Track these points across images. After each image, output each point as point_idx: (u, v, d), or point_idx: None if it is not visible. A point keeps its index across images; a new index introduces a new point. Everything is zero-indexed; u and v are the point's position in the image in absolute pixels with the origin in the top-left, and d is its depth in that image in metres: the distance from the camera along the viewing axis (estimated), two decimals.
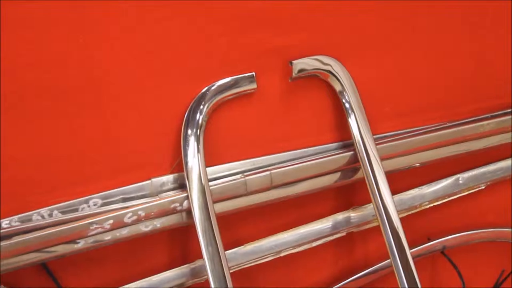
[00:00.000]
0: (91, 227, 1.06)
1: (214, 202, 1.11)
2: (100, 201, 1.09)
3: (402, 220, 1.14)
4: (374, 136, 1.17)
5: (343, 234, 1.26)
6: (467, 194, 1.32)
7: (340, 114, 1.19)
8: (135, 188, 1.11)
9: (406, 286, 1.11)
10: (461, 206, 1.34)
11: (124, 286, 1.14)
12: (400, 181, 1.26)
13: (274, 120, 1.17)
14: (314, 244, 1.24)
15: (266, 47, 1.13)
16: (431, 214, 1.32)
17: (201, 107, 1.10)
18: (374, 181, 1.15)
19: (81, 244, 1.08)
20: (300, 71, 1.14)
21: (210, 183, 1.11)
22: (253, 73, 1.12)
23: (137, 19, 1.06)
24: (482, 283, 1.40)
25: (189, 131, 1.10)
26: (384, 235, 1.14)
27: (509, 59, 1.28)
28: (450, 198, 1.31)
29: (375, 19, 1.19)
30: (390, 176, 1.16)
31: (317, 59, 1.15)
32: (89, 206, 1.09)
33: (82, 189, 1.09)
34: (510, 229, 1.34)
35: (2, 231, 1.03)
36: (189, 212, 1.11)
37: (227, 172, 1.15)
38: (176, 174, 1.13)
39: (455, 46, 1.25)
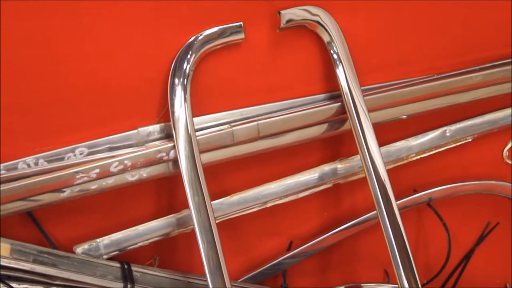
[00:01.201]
0: (77, 176, 1.08)
1: (201, 152, 1.13)
2: (86, 150, 1.11)
3: (388, 171, 1.17)
4: (362, 88, 1.19)
5: (330, 185, 1.29)
6: (454, 147, 1.35)
7: (328, 65, 1.21)
8: (122, 138, 1.13)
9: (392, 237, 1.13)
10: (448, 159, 1.36)
11: (110, 235, 1.18)
12: (387, 133, 1.28)
13: (261, 71, 1.18)
14: (301, 195, 1.27)
15: None
16: (417, 166, 1.34)
17: (188, 56, 1.11)
18: (361, 132, 1.17)
19: (67, 193, 1.10)
20: (288, 21, 1.15)
21: (197, 133, 1.13)
22: (241, 23, 1.13)
23: None
24: (468, 235, 1.43)
25: (176, 81, 1.11)
26: (371, 187, 1.16)
27: (498, 13, 1.29)
28: (437, 151, 1.33)
29: None
30: (377, 127, 1.18)
31: (305, 10, 1.15)
32: (75, 155, 1.11)
33: (68, 138, 1.10)
34: (495, 182, 1.37)
35: None
36: (175, 162, 1.13)
37: (214, 122, 1.17)
38: (162, 124, 1.14)
39: None
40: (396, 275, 1.12)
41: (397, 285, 1.13)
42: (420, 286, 1.12)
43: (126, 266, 1.16)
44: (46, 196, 1.09)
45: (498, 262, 1.47)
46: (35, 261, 1.09)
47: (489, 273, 1.47)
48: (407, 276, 1.12)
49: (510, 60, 1.32)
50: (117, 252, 1.18)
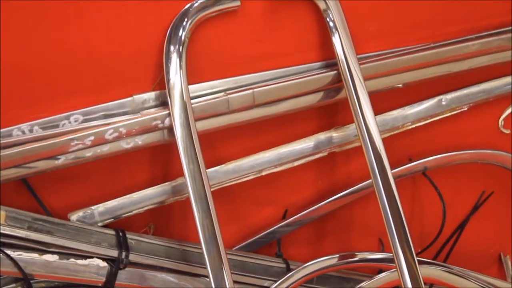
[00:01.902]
0: (72, 143, 1.09)
1: (196, 120, 1.14)
2: (81, 118, 1.12)
3: (384, 140, 1.18)
4: (358, 56, 1.20)
5: (325, 154, 1.30)
6: (450, 116, 1.36)
7: (324, 33, 1.21)
8: (117, 105, 1.14)
9: (387, 206, 1.15)
10: (443, 128, 1.37)
11: (105, 203, 1.19)
12: (382, 101, 1.29)
13: (257, 38, 1.19)
14: (296, 163, 1.28)
15: None
16: (413, 135, 1.36)
17: (184, 23, 1.12)
18: (357, 101, 1.18)
19: (61, 160, 1.11)
20: None
21: (192, 101, 1.14)
22: None
23: None
24: (463, 204, 1.45)
25: (172, 48, 1.12)
26: (366, 155, 1.17)
27: None
28: (433, 120, 1.35)
29: None
30: (373, 96, 1.19)
31: None
32: (70, 123, 1.12)
33: (63, 105, 1.11)
34: (491, 151, 1.39)
35: None
36: (170, 129, 1.14)
37: (209, 90, 1.18)
38: (158, 92, 1.15)
39: None
40: (391, 244, 1.14)
41: (391, 254, 1.14)
42: (414, 255, 1.13)
43: (121, 234, 1.17)
44: (40, 163, 1.10)
45: (493, 231, 1.49)
46: (30, 228, 1.11)
47: (484, 242, 1.49)
48: (401, 245, 1.13)
49: (509, 28, 1.33)
50: (112, 220, 1.19)
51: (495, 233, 1.50)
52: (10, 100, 1.09)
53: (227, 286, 1.08)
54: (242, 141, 1.26)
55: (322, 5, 1.18)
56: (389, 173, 1.16)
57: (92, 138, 1.10)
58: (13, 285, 1.13)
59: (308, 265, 1.25)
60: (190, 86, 1.14)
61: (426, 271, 1.26)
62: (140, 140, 1.14)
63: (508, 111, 1.40)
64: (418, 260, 1.13)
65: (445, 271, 1.29)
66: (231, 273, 1.10)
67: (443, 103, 1.34)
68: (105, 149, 1.12)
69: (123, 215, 1.20)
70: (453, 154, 1.36)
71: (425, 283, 1.13)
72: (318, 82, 1.21)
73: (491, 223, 1.48)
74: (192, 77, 1.15)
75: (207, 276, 1.09)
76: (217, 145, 1.24)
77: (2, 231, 1.09)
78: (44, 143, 1.08)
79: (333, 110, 1.29)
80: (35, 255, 1.11)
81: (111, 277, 1.16)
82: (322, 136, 1.29)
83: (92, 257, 1.14)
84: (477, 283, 1.30)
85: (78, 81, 1.11)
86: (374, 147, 1.17)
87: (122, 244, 1.16)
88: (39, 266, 1.11)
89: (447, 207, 1.39)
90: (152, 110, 1.15)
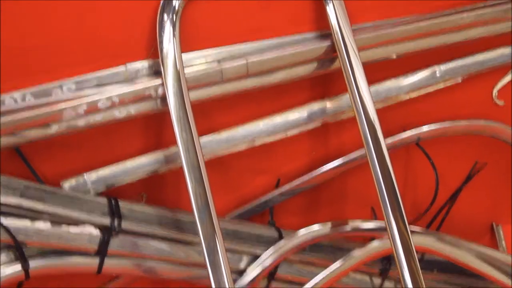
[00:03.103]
0: (65, 112, 1.11)
1: (189, 89, 1.15)
2: (74, 86, 1.13)
3: (378, 111, 1.19)
4: (352, 26, 1.21)
5: (319, 124, 1.31)
6: (444, 87, 1.37)
7: (318, 3, 1.22)
8: (110, 74, 1.14)
9: (380, 175, 1.16)
10: (437, 99, 1.39)
11: (97, 171, 1.21)
12: (377, 72, 1.30)
13: (251, 8, 1.19)
14: (289, 133, 1.30)
15: None
16: (407, 106, 1.37)
17: None
18: (351, 71, 1.19)
19: (54, 129, 1.12)
20: None
21: (186, 70, 1.15)
22: None
23: None
24: (456, 174, 1.47)
25: (165, 17, 1.13)
26: (360, 126, 1.18)
27: None
28: (427, 91, 1.36)
29: None
30: (367, 67, 1.20)
31: None
32: (62, 91, 1.12)
33: (56, 74, 1.12)
34: (484, 122, 1.40)
35: None
36: (163, 98, 1.16)
37: (203, 59, 1.18)
38: (151, 61, 1.16)
39: None
40: (383, 213, 1.15)
41: (384, 223, 1.15)
42: (407, 224, 1.14)
43: (113, 202, 1.19)
44: (33, 131, 1.11)
45: (485, 201, 1.51)
46: (22, 196, 1.12)
47: (476, 212, 1.51)
48: (394, 214, 1.15)
49: None
50: (104, 188, 1.21)
51: (488, 203, 1.52)
52: (2, 69, 1.09)
53: (220, 254, 1.09)
54: (235, 111, 1.27)
55: None
56: (383, 143, 1.17)
57: (85, 107, 1.11)
58: (5, 252, 1.14)
59: (300, 234, 1.28)
60: (183, 55, 1.15)
61: (419, 240, 1.29)
62: (133, 109, 1.15)
63: (502, 83, 1.41)
64: (410, 229, 1.15)
65: (437, 240, 1.31)
66: (224, 241, 1.11)
67: (438, 74, 1.35)
68: (98, 118, 1.13)
69: (116, 184, 1.21)
70: (447, 124, 1.38)
71: (417, 252, 1.14)
72: (312, 52, 1.22)
73: (483, 193, 1.50)
74: (185, 46, 1.16)
75: (200, 244, 1.10)
76: (210, 114, 1.26)
77: None
78: (36, 111, 1.09)
79: (327, 81, 1.30)
80: (27, 223, 1.12)
81: (104, 244, 1.17)
82: (315, 106, 1.30)
83: (84, 225, 1.16)
84: (469, 251, 1.32)
85: (71, 50, 1.12)
86: (368, 117, 1.18)
87: (115, 212, 1.18)
88: (31, 234, 1.13)
89: (440, 178, 1.41)
90: (145, 79, 1.16)
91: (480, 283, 1.45)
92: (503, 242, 1.53)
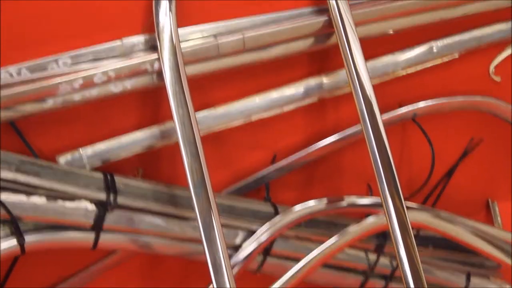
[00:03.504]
0: (60, 87, 1.11)
1: (186, 64, 1.15)
2: (69, 61, 1.13)
3: (374, 86, 1.19)
4: (350, 2, 1.21)
5: (315, 99, 1.32)
6: (441, 63, 1.38)
7: None
8: (106, 49, 1.14)
9: (376, 151, 1.16)
10: (434, 75, 1.39)
11: (93, 146, 1.21)
12: (373, 48, 1.31)
13: None
14: (285, 109, 1.30)
15: None
16: (403, 82, 1.38)
17: None
18: (348, 47, 1.19)
19: (50, 104, 1.12)
20: None
21: (182, 45, 1.15)
22: None
23: None
24: (452, 150, 1.48)
25: None
26: (356, 101, 1.18)
27: None
28: (423, 66, 1.37)
29: None
30: (364, 42, 1.20)
31: None
32: (58, 66, 1.12)
33: (52, 48, 1.12)
34: (481, 98, 1.41)
35: None
36: (160, 73, 1.16)
37: (199, 34, 1.19)
38: (147, 35, 1.16)
39: None
40: (379, 189, 1.16)
41: (379, 199, 1.16)
42: (402, 200, 1.15)
43: (109, 177, 1.19)
44: (28, 106, 1.11)
45: (481, 177, 1.52)
46: (17, 170, 1.12)
47: (471, 188, 1.52)
48: (390, 190, 1.15)
49: None
50: (100, 163, 1.21)
51: (484, 179, 1.53)
52: None
53: (215, 229, 1.09)
54: (232, 86, 1.27)
55: None
56: (379, 119, 1.18)
57: (80, 81, 1.11)
58: (0, 227, 1.14)
59: (296, 209, 1.28)
60: (179, 30, 1.15)
61: (414, 216, 1.29)
62: (129, 84, 1.15)
63: (499, 58, 1.42)
64: (406, 205, 1.15)
65: (433, 216, 1.32)
66: (219, 216, 1.11)
67: (434, 50, 1.36)
68: (93, 92, 1.14)
69: (112, 159, 1.22)
70: (443, 100, 1.38)
71: (412, 228, 1.15)
72: (309, 27, 1.22)
73: (479, 169, 1.51)
74: (182, 20, 1.16)
75: (195, 220, 1.11)
76: (207, 89, 1.26)
77: None
78: (32, 86, 1.09)
79: (323, 56, 1.31)
80: (22, 197, 1.13)
81: (99, 219, 1.18)
82: (312, 81, 1.30)
83: (80, 200, 1.16)
84: (464, 228, 1.33)
85: (67, 24, 1.12)
86: (364, 93, 1.18)
87: (110, 187, 1.18)
88: (27, 208, 1.13)
89: (436, 154, 1.41)
90: (142, 54, 1.16)
91: (475, 259, 1.46)
92: (499, 219, 1.54)
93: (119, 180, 1.20)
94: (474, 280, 1.46)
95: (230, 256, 1.24)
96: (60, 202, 1.15)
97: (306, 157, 1.35)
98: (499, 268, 1.49)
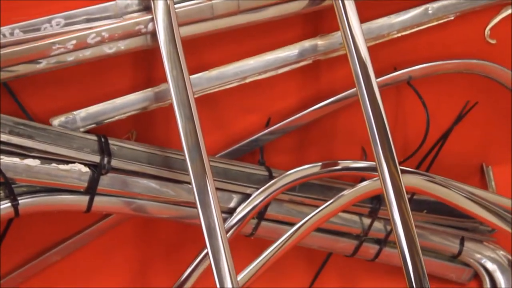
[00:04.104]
0: (53, 47, 1.11)
1: (180, 25, 1.15)
2: (63, 21, 1.13)
3: (369, 49, 1.19)
4: None
5: (310, 61, 1.32)
6: (436, 25, 1.37)
7: None
8: (99, 9, 1.15)
9: (371, 114, 1.16)
10: (429, 37, 1.39)
11: (87, 108, 1.21)
12: (368, 9, 1.30)
13: None
14: (280, 71, 1.30)
15: None
16: (398, 44, 1.37)
17: None
18: (343, 8, 1.18)
19: (43, 64, 1.13)
20: None
21: (176, 6, 1.15)
22: None
23: None
24: (447, 114, 1.47)
25: None
26: (351, 64, 1.18)
27: None
28: (418, 28, 1.36)
29: None
30: (359, 4, 1.19)
31: None
32: (51, 26, 1.12)
33: (45, 8, 1.12)
34: (476, 61, 1.41)
35: None
36: (153, 34, 1.16)
37: None
38: None
39: None
40: (374, 153, 1.16)
41: (374, 163, 1.17)
42: (397, 164, 1.16)
43: (103, 139, 1.20)
44: (22, 67, 1.12)
45: (476, 141, 1.52)
46: (11, 132, 1.13)
47: (466, 152, 1.52)
48: (384, 154, 1.16)
49: None
50: (94, 125, 1.21)
51: (478, 143, 1.53)
52: None
53: (210, 193, 1.10)
54: (226, 48, 1.28)
55: None
56: (374, 82, 1.18)
57: (74, 42, 1.11)
58: None
59: (290, 173, 1.29)
60: None
61: (409, 180, 1.29)
62: (122, 45, 1.16)
63: (495, 21, 1.41)
64: (400, 169, 1.16)
65: (427, 180, 1.32)
66: (214, 180, 1.12)
67: (430, 11, 1.35)
68: (87, 53, 1.14)
69: (105, 121, 1.22)
70: (438, 63, 1.38)
71: (407, 192, 1.16)
72: None
73: (474, 133, 1.51)
74: None
75: (190, 183, 1.12)
76: (201, 51, 1.26)
77: None
78: (25, 46, 1.09)
79: (318, 18, 1.31)
80: (16, 160, 1.13)
81: (93, 182, 1.18)
82: (307, 43, 1.30)
83: (74, 162, 1.16)
84: (458, 192, 1.34)
85: None
86: (359, 55, 1.18)
87: (104, 150, 1.19)
88: (21, 171, 1.14)
89: (431, 117, 1.41)
90: (135, 14, 1.16)
91: (469, 223, 1.47)
92: (493, 183, 1.54)
93: (113, 143, 1.20)
94: (468, 245, 1.47)
95: (224, 220, 1.23)
96: (53, 165, 1.15)
97: (300, 120, 1.36)
98: (493, 233, 1.50)
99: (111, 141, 1.20)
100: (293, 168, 1.28)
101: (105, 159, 1.18)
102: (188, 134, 1.12)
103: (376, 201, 1.39)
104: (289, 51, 1.29)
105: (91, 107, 1.21)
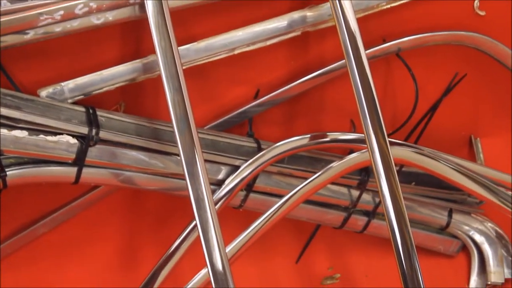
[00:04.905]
0: (41, 18, 1.11)
1: None
2: None
3: (358, 20, 1.19)
4: None
5: (298, 33, 1.32)
6: None
7: None
8: None
9: (360, 86, 1.17)
10: (419, 8, 1.39)
11: (75, 79, 1.21)
12: None
13: None
14: (269, 42, 1.31)
15: None
16: (387, 16, 1.38)
17: None
18: None
19: (30, 35, 1.13)
20: None
21: None
22: None
23: None
24: (435, 86, 1.49)
25: None
26: (340, 35, 1.19)
27: None
28: (408, 0, 1.37)
29: None
30: None
31: None
32: None
33: None
34: (465, 32, 1.41)
35: None
36: (142, 5, 1.16)
37: None
38: None
39: None
40: (363, 125, 1.17)
41: (363, 135, 1.18)
42: (385, 136, 1.16)
43: (91, 111, 1.20)
44: (9, 37, 1.12)
45: (464, 114, 1.53)
46: None
47: (455, 124, 1.53)
48: (373, 126, 1.16)
49: None
50: (82, 97, 1.22)
51: (467, 115, 1.53)
52: None
53: (198, 164, 1.11)
54: (215, 19, 1.28)
55: None
56: (363, 54, 1.18)
57: (61, 12, 1.12)
58: None
59: (279, 145, 1.29)
60: None
61: (397, 152, 1.30)
62: (110, 16, 1.16)
63: None
64: (389, 141, 1.17)
65: (415, 152, 1.33)
66: (202, 151, 1.13)
67: None
68: (75, 24, 1.14)
69: (94, 92, 1.23)
70: (428, 35, 1.39)
71: (395, 164, 1.17)
72: None
73: (463, 105, 1.52)
74: None
75: (178, 154, 1.13)
76: (189, 22, 1.27)
77: None
78: (12, 16, 1.10)
79: None
80: (4, 131, 1.14)
81: (81, 154, 1.19)
82: (295, 15, 1.31)
83: (62, 134, 1.17)
84: (447, 164, 1.35)
85: None
86: (348, 27, 1.18)
87: (93, 121, 1.19)
88: (9, 142, 1.14)
89: (420, 89, 1.43)
90: None
91: (457, 195, 1.48)
92: (481, 155, 1.55)
93: (101, 114, 1.21)
94: (456, 217, 1.49)
95: (212, 192, 1.25)
96: (41, 136, 1.16)
97: (289, 91, 1.37)
98: (481, 205, 1.52)
99: (99, 113, 1.21)
100: (281, 140, 1.29)
101: (93, 131, 1.19)
102: (177, 106, 1.12)
103: (365, 173, 1.40)
104: (278, 23, 1.30)
105: (79, 78, 1.21)
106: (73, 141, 1.18)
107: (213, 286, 1.07)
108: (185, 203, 1.14)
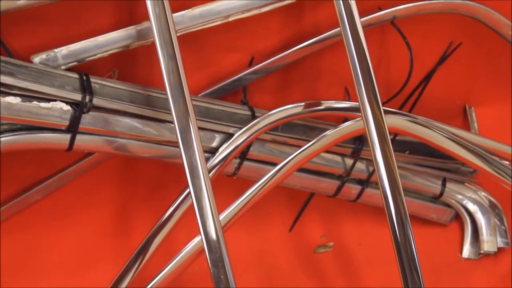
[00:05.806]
0: None
1: None
2: None
3: None
4: None
5: (293, 0, 1.32)
6: None
7: None
8: None
9: (355, 54, 1.17)
10: None
11: (68, 46, 1.21)
12: None
13: None
14: (263, 9, 1.30)
15: None
16: None
17: None
18: None
19: (23, 1, 1.13)
20: None
21: None
22: None
23: None
24: (430, 54, 1.49)
25: None
26: (335, 3, 1.18)
27: None
28: None
29: None
30: None
31: None
32: None
33: None
34: (461, 1, 1.40)
35: None
36: None
37: None
38: None
39: None
40: (357, 93, 1.17)
41: (357, 103, 1.18)
42: (380, 104, 1.17)
43: (84, 77, 1.20)
44: (2, 3, 1.12)
45: (459, 82, 1.54)
46: None
47: (450, 93, 1.54)
48: (367, 94, 1.17)
49: None
50: (75, 63, 1.22)
51: (462, 84, 1.54)
52: None
53: (192, 132, 1.11)
54: None
55: None
56: (358, 22, 1.18)
57: None
58: None
59: (273, 113, 1.30)
60: None
61: (391, 121, 1.31)
62: None
63: None
64: (383, 109, 1.17)
65: (410, 120, 1.33)
66: (196, 119, 1.13)
67: None
68: None
69: (87, 59, 1.22)
70: (423, 3, 1.39)
71: (389, 132, 1.17)
72: None
73: (458, 74, 1.53)
74: None
75: (172, 122, 1.13)
76: None
77: None
78: None
79: None
80: None
81: (75, 120, 1.19)
82: None
83: (55, 100, 1.17)
84: (441, 132, 1.36)
85: None
86: None
87: (86, 88, 1.19)
88: (2, 108, 1.14)
89: (415, 58, 1.43)
90: None
91: (451, 164, 1.49)
92: (475, 124, 1.56)
93: (95, 81, 1.21)
94: (450, 186, 1.50)
95: (206, 159, 1.25)
96: (35, 103, 1.16)
97: (284, 59, 1.37)
98: (475, 174, 1.53)
99: (92, 79, 1.21)
100: (276, 107, 1.29)
101: (87, 97, 1.19)
102: (171, 73, 1.12)
103: (359, 142, 1.40)
104: None
105: (72, 44, 1.21)
106: (67, 107, 1.18)
107: (207, 253, 1.08)
108: (178, 170, 1.14)
